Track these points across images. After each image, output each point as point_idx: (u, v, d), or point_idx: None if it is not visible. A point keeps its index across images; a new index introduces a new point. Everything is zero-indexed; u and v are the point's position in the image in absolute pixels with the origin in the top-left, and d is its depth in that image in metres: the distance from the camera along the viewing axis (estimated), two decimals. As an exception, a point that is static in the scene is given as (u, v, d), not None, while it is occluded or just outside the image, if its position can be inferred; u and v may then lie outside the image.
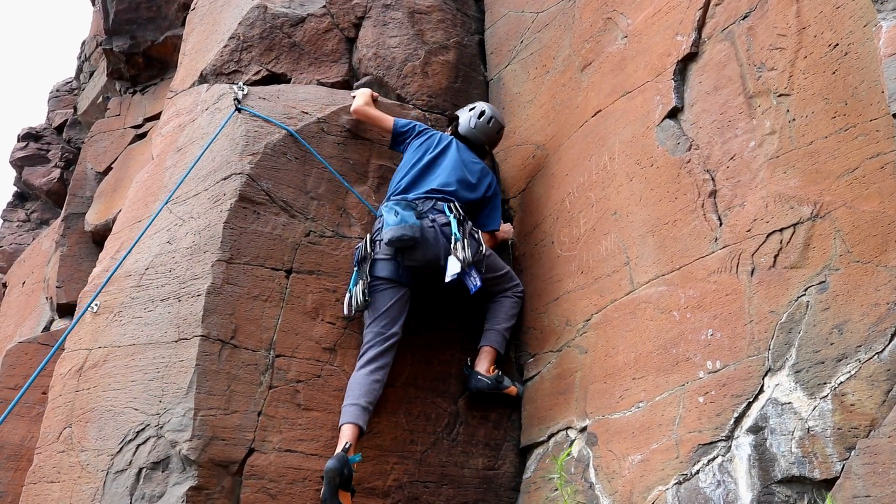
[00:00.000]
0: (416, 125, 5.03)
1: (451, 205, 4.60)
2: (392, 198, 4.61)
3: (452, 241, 4.39)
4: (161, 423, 3.95)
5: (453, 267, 4.31)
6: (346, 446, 3.96)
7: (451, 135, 5.09)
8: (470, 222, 4.59)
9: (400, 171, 4.84)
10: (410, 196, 4.61)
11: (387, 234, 4.35)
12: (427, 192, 4.63)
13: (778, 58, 3.58)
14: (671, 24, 4.23)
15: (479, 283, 4.34)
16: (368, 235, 4.54)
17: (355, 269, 4.48)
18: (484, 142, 5.11)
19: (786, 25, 3.57)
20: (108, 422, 4.16)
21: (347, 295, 4.41)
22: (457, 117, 5.20)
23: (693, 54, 4.07)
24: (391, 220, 4.36)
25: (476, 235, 4.53)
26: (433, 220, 4.49)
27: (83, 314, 4.49)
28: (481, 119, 5.08)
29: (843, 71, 3.28)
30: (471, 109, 5.15)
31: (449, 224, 4.48)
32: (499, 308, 4.77)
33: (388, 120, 5.01)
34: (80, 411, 4.33)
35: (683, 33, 4.13)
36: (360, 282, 4.36)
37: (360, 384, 4.18)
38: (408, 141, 4.97)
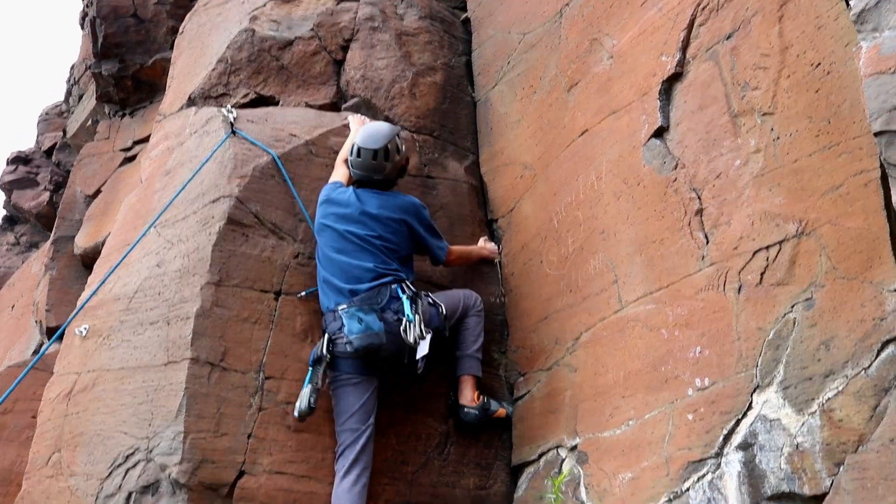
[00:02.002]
0: (324, 200, 4.65)
1: (403, 285, 4.39)
2: (349, 305, 4.25)
3: (405, 323, 4.21)
4: (151, 447, 3.94)
5: (422, 349, 4.21)
6: None
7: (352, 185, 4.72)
8: (423, 293, 4.45)
9: (323, 255, 4.50)
10: (362, 292, 4.30)
11: (355, 342, 4.10)
12: (373, 280, 4.34)
13: (762, 77, 3.61)
14: (656, 45, 4.26)
15: (422, 363, 4.25)
16: (326, 336, 4.25)
17: (310, 368, 4.21)
18: (374, 176, 4.60)
19: (769, 45, 3.60)
20: (97, 446, 4.14)
21: (300, 395, 4.13)
22: None
23: (678, 74, 4.10)
24: (355, 328, 4.13)
25: (431, 301, 4.46)
26: (396, 311, 4.28)
27: (59, 335, 4.48)
28: (353, 157, 4.62)
29: (825, 90, 3.31)
30: (351, 150, 4.68)
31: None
32: (464, 332, 4.67)
33: (337, 175, 4.81)
34: (70, 436, 4.31)
35: (668, 53, 4.16)
36: (310, 385, 4.11)
37: (346, 497, 4.01)
38: (318, 213, 4.67)
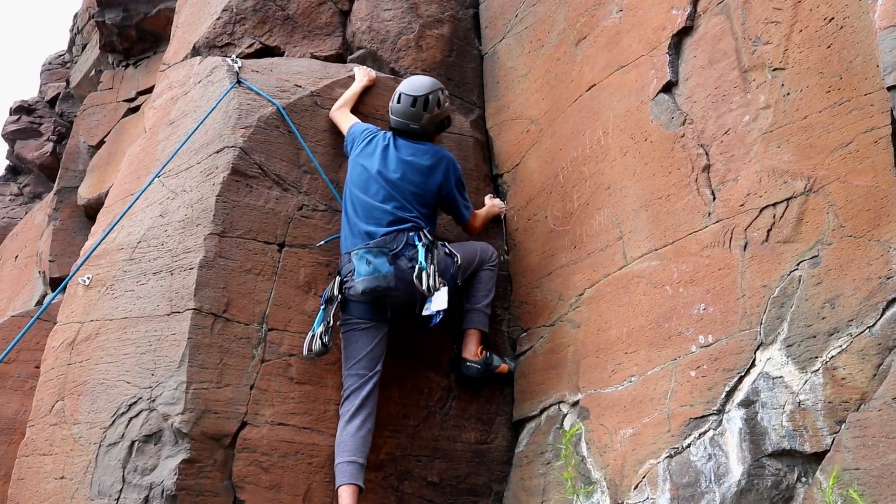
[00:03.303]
0: (356, 138, 4.67)
1: (421, 233, 4.37)
2: (361, 246, 4.26)
3: (418, 270, 4.19)
4: (153, 397, 3.95)
5: (438, 303, 4.17)
6: None
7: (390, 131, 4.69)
8: (440, 243, 4.45)
9: (349, 193, 4.51)
10: (378, 236, 4.29)
11: (360, 285, 4.13)
12: (391, 224, 4.33)
13: (773, 31, 3.56)
14: (666, -2, 4.20)
15: (440, 316, 4.20)
16: (337, 277, 4.32)
17: (322, 308, 4.26)
18: (411, 125, 4.58)
19: (781, -1, 3.55)
20: (100, 395, 4.16)
21: (309, 335, 4.18)
22: None
23: (688, 28, 4.05)
24: (363, 270, 4.14)
25: (447, 251, 4.44)
26: (411, 259, 4.26)
27: (64, 285, 4.50)
28: (392, 104, 4.63)
29: (838, 45, 3.27)
30: (394, 96, 4.70)
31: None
32: (476, 285, 4.65)
33: (347, 125, 4.79)
34: (73, 384, 4.33)
35: (679, 7, 4.10)
36: (324, 324, 4.15)
37: (351, 440, 4.05)
38: (350, 146, 4.71)
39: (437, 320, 4.21)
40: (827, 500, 2.71)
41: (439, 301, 4.17)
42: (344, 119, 4.83)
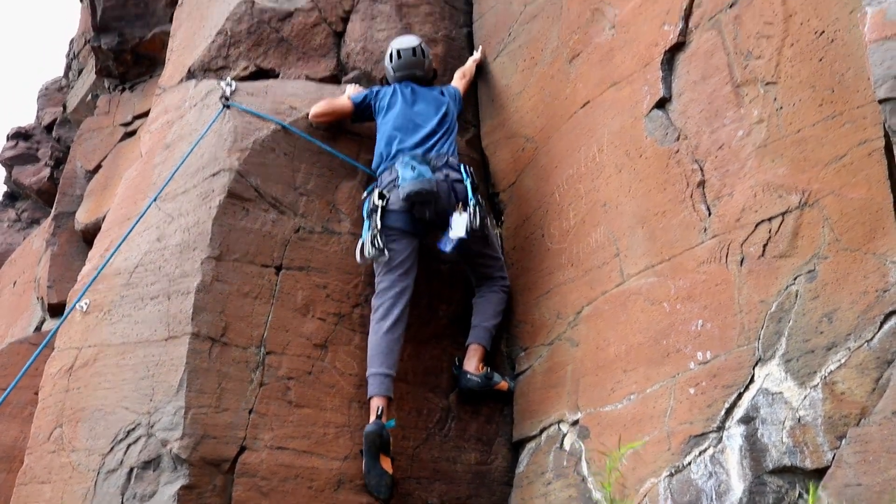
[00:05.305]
0: (370, 91, 5.09)
1: (466, 167, 4.73)
2: (407, 152, 4.66)
3: (470, 205, 4.52)
4: (152, 422, 3.93)
5: (458, 229, 4.44)
6: (380, 411, 4.14)
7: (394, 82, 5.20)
8: (478, 192, 4.72)
9: (384, 132, 4.88)
10: (420, 151, 4.69)
11: (404, 189, 4.42)
12: (429, 142, 4.76)
13: (765, 46, 3.57)
14: (658, 14, 4.21)
15: (449, 248, 4.47)
16: (376, 190, 4.59)
17: (366, 219, 4.56)
18: (416, 72, 5.18)
19: (772, 13, 3.56)
20: (98, 421, 4.14)
21: (360, 242, 4.48)
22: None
23: (680, 44, 4.06)
24: (408, 175, 4.45)
25: (483, 203, 4.68)
26: (446, 175, 4.59)
27: (69, 313, 4.48)
28: (393, 61, 5.17)
29: (829, 58, 3.27)
30: (388, 56, 5.23)
31: (461, 181, 4.62)
32: (486, 304, 4.77)
33: (343, 100, 5.06)
34: (71, 411, 4.31)
35: (671, 23, 4.11)
36: (371, 231, 4.43)
37: (384, 347, 4.30)
38: (374, 106, 5.04)
39: (449, 249, 4.47)
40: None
41: (458, 228, 4.45)
42: (337, 98, 5.10)
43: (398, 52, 5.14)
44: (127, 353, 4.25)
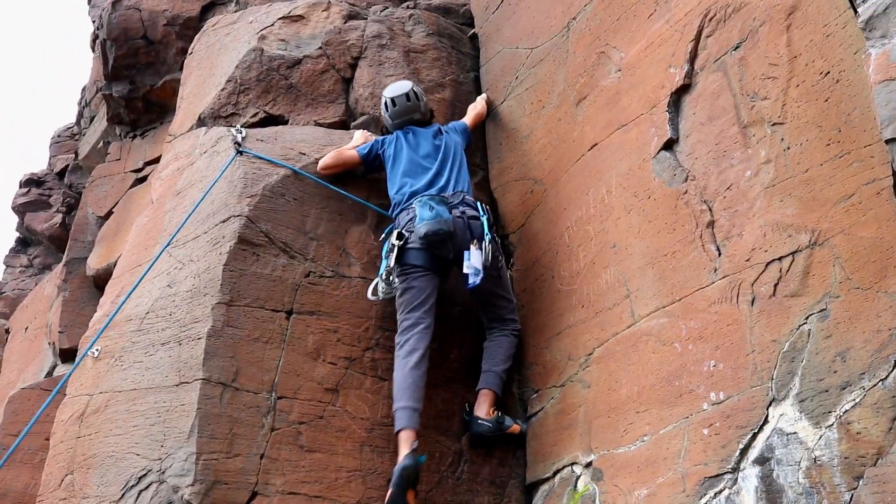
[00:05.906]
0: (375, 142, 5.11)
1: (482, 204, 4.80)
2: (424, 194, 4.73)
3: (486, 240, 4.58)
4: (163, 469, 3.92)
5: (475, 259, 4.47)
6: (415, 445, 4.12)
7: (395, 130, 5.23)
8: (493, 229, 4.78)
9: (394, 180, 4.93)
10: (434, 191, 4.76)
11: (422, 228, 4.50)
12: (446, 184, 4.83)
13: (771, 87, 3.59)
14: (664, 57, 4.25)
15: (477, 280, 4.45)
16: (395, 230, 4.65)
17: (383, 258, 4.62)
18: (414, 116, 5.21)
19: (777, 55, 3.58)
20: (109, 468, 4.13)
21: (375, 281, 4.60)
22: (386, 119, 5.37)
23: (686, 86, 4.09)
24: (426, 215, 4.53)
25: (498, 242, 4.77)
26: (462, 213, 4.65)
27: (82, 359, 4.50)
28: (389, 110, 5.20)
29: (835, 98, 3.29)
30: (384, 106, 5.25)
31: (477, 218, 4.68)
32: (497, 348, 4.76)
33: (351, 153, 5.09)
34: (82, 458, 4.30)
35: (676, 65, 4.15)
36: (387, 270, 4.54)
37: (410, 382, 4.31)
38: (382, 156, 5.08)
39: (476, 281, 4.44)
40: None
41: (475, 259, 4.48)
42: (344, 150, 5.11)
43: (392, 100, 5.19)
44: (138, 399, 4.25)
